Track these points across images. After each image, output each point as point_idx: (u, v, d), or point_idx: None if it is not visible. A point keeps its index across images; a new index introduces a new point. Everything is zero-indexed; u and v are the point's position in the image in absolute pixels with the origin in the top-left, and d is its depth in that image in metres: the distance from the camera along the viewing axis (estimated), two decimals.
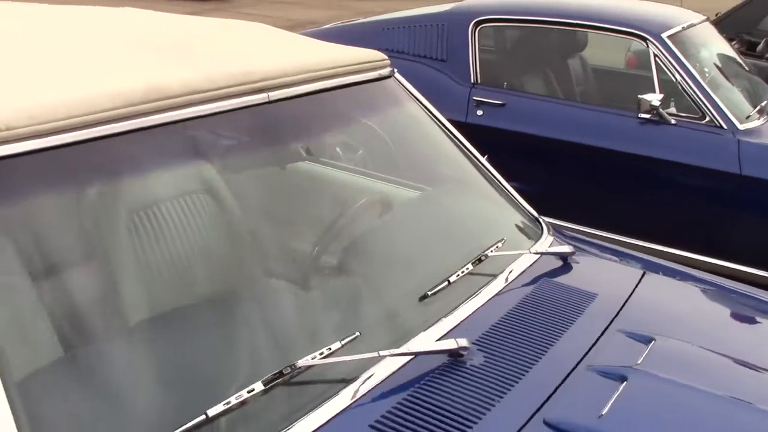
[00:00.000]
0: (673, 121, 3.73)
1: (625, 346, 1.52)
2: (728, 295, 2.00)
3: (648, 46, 3.80)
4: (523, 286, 1.74)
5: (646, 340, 1.53)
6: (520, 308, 1.64)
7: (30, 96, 1.31)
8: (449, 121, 4.34)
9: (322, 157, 2.27)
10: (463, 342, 1.42)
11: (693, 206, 3.71)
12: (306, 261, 1.70)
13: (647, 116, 3.76)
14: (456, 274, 1.63)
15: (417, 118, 2.19)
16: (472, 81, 4.21)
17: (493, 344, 1.48)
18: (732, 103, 3.79)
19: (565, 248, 1.92)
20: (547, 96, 4.16)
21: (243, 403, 1.16)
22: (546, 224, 2.14)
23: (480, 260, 1.71)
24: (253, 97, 1.58)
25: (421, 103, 2.21)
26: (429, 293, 1.56)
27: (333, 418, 1.22)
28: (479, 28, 4.21)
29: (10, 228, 1.23)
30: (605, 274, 1.95)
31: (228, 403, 1.14)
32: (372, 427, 1.22)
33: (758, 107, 3.82)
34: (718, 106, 3.68)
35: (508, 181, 4.30)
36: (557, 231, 2.21)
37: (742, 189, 3.58)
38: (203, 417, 1.11)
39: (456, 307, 1.57)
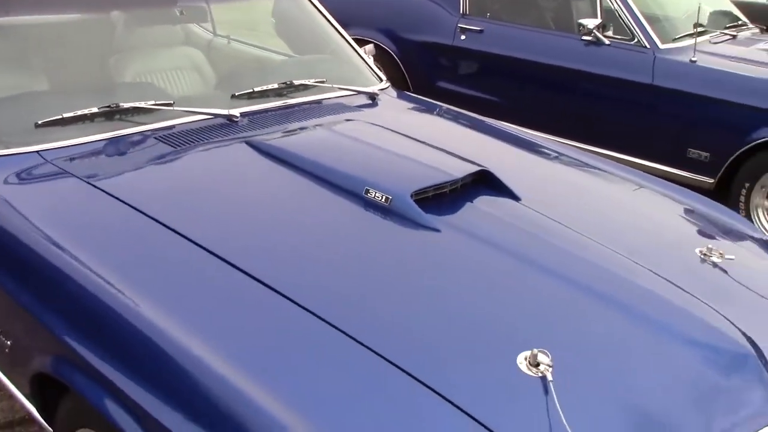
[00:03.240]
0: (607, 42, 4.48)
1: (350, 121, 2.51)
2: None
3: None
4: (315, 103, 2.75)
5: (363, 123, 2.53)
6: (300, 110, 2.66)
7: None
8: (438, 44, 5.29)
9: None
10: (235, 112, 2.48)
11: (619, 112, 4.45)
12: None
13: (588, 38, 4.53)
14: (261, 87, 2.68)
15: (307, 12, 3.24)
16: (461, 12, 5.13)
17: (261, 119, 2.51)
18: (663, 28, 4.47)
19: (369, 89, 2.91)
20: (516, 23, 4.98)
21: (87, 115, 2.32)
22: (387, 83, 3.11)
23: (287, 84, 2.74)
24: None
25: (315, 5, 3.24)
26: (236, 93, 2.63)
27: (136, 133, 2.33)
28: None
29: None
30: (392, 110, 2.90)
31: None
32: (157, 138, 2.32)
33: (698, 32, 4.40)
34: (645, 29, 4.39)
35: (477, 92, 5.25)
36: (399, 91, 3.19)
37: (653, 96, 4.28)
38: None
39: (254, 105, 2.62)
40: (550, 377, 1.46)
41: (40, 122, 2.25)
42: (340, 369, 1.46)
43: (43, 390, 1.87)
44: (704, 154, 4.17)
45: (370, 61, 3.27)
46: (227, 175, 2.19)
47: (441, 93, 5.11)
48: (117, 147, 2.26)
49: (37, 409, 1.97)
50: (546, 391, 1.45)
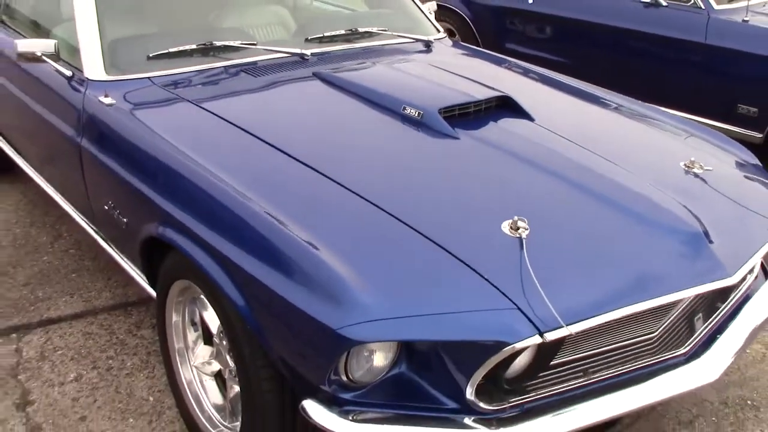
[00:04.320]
0: (664, 4, 4.75)
1: (402, 61, 3.00)
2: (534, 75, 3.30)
3: None
4: (377, 47, 3.23)
5: (412, 62, 3.01)
6: (362, 52, 3.14)
7: None
8: (508, 7, 5.66)
9: None
10: (307, 52, 2.99)
11: (674, 70, 4.72)
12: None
13: (648, 0, 4.81)
14: (331, 32, 3.17)
15: None
16: None
17: (328, 58, 3.02)
18: None
19: (426, 38, 3.36)
20: None
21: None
22: (444, 34, 3.55)
23: (353, 31, 3.22)
24: None
25: None
26: (309, 37, 3.14)
27: (226, 66, 2.87)
28: None
29: None
30: (443, 54, 3.34)
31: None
32: (242, 70, 2.85)
33: None
34: None
35: (541, 53, 5.62)
36: (456, 41, 3.62)
37: (706, 55, 4.54)
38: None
39: (324, 46, 3.12)
40: (524, 237, 1.90)
41: (151, 55, 2.81)
42: (377, 233, 1.92)
43: (150, 255, 2.42)
44: (753, 109, 4.41)
45: (432, 16, 3.71)
46: (298, 98, 2.70)
47: (509, 53, 5.48)
48: (209, 75, 2.81)
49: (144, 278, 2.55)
50: (521, 247, 1.89)
